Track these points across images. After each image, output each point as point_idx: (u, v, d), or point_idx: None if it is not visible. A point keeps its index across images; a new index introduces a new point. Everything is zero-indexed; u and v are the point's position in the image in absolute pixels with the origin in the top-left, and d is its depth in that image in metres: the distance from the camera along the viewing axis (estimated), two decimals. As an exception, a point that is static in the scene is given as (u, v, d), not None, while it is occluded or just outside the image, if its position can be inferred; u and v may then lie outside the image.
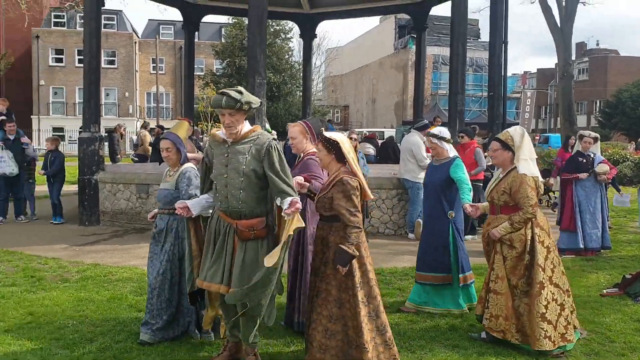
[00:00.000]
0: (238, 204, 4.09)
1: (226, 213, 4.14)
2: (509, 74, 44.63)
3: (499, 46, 12.08)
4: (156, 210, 4.92)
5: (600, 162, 8.73)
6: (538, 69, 61.42)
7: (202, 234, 4.44)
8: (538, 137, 38.72)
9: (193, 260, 4.39)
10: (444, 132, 5.96)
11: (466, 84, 34.47)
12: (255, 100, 4.10)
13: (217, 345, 4.72)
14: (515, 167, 4.85)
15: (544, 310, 4.63)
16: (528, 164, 4.83)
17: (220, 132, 4.29)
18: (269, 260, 3.81)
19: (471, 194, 5.68)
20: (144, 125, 17.67)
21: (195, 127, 24.13)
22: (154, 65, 45.90)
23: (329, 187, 4.19)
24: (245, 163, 4.08)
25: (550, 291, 4.69)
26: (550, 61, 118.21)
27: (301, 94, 24.70)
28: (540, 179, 4.91)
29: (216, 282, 4.09)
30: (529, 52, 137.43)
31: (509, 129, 5.02)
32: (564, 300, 4.77)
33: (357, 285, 4.08)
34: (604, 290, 6.62)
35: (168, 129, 11.14)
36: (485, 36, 44.72)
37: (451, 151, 5.90)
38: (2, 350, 4.48)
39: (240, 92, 4.05)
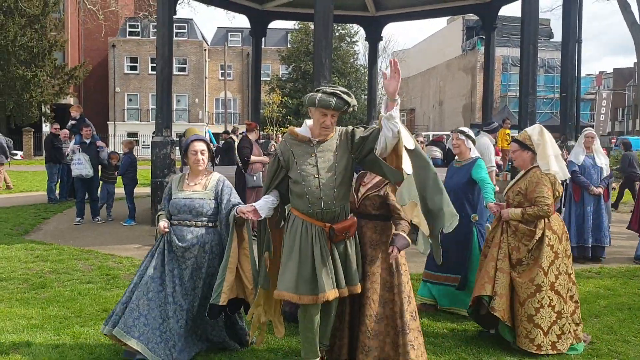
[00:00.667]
0: (332, 204, 3.95)
1: (317, 216, 3.95)
2: (583, 74, 42.92)
3: (572, 45, 11.65)
4: (165, 222, 4.36)
5: (683, 165, 8.27)
6: (615, 69, 58.82)
7: (246, 246, 4.31)
8: (614, 140, 37.07)
9: (227, 274, 4.15)
10: (471, 132, 5.83)
11: (537, 85, 33.47)
12: (356, 103, 4.06)
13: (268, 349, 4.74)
14: (535, 167, 4.78)
15: (533, 313, 4.60)
16: (553, 160, 4.73)
17: (301, 129, 4.10)
18: (407, 169, 3.73)
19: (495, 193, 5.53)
20: (233, 131, 18.06)
21: (262, 132, 24.53)
22: (223, 71, 46.96)
23: (381, 185, 4.26)
24: (337, 159, 3.97)
25: (548, 296, 4.62)
26: (628, 60, 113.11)
27: (366, 97, 24.65)
28: (561, 178, 4.79)
29: (329, 289, 3.87)
30: (605, 51, 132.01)
31: (526, 128, 4.90)
32: (562, 308, 4.67)
33: (403, 283, 4.11)
34: (688, 301, 6.26)
35: (242, 134, 11.35)
36: (557, 36, 43.30)
37: (473, 152, 5.76)
38: (78, 344, 4.67)
39: (349, 94, 3.98)
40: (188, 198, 4.31)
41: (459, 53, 45.87)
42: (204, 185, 4.39)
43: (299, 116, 29.84)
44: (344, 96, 3.90)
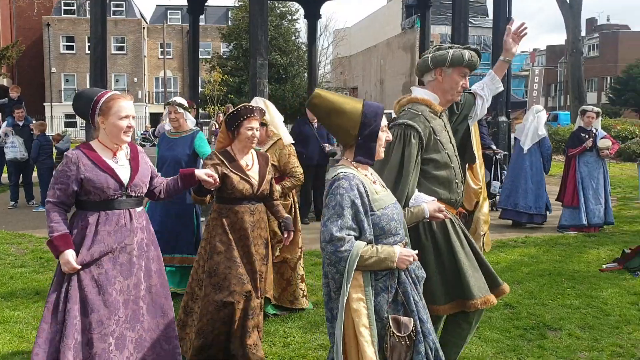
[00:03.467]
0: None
1: (457, 204, 3.31)
2: (518, 52, 44.00)
3: (503, 23, 12.00)
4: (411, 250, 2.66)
5: (602, 137, 8.73)
6: (547, 46, 60.69)
7: None
8: (547, 115, 38.35)
9: None
10: (185, 102, 5.58)
11: (474, 62, 34.14)
12: None
13: None
14: (279, 139, 4.91)
15: (302, 272, 5.06)
16: (286, 131, 4.99)
17: (428, 97, 3.30)
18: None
19: None
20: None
21: (203, 112, 24.22)
22: (162, 50, 45.99)
23: (268, 167, 4.13)
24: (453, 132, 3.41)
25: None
26: (560, 38, 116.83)
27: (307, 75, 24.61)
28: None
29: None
30: (541, 29, 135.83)
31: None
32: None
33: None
34: (604, 265, 6.70)
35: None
36: (494, 14, 44.17)
37: (191, 123, 5.56)
38: (8, 328, 4.63)
39: None
40: (393, 204, 2.74)
41: (398, 31, 46.27)
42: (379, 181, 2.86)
43: (241, 95, 29.52)
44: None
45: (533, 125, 8.98)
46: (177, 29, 49.01)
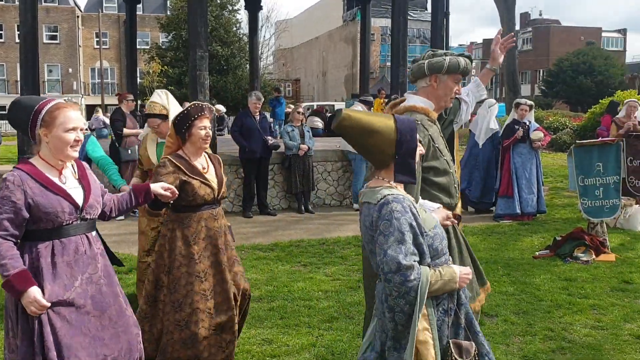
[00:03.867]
0: None
1: (454, 208, 3.34)
2: (455, 45, 45.01)
3: (441, 17, 12.23)
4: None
5: (535, 130, 9.06)
6: (484, 40, 62.26)
7: None
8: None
9: None
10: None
11: (413, 55, 34.90)
12: None
13: None
14: None
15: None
16: None
17: (426, 105, 3.31)
18: None
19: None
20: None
21: (142, 104, 23.65)
22: (98, 39, 44.68)
23: (222, 168, 3.96)
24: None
25: None
26: (496, 32, 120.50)
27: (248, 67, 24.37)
28: None
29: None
30: (477, 23, 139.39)
31: (154, 99, 4.59)
32: None
33: None
34: (537, 253, 6.97)
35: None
36: (432, 7, 44.96)
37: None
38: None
39: None
40: (438, 222, 2.68)
41: (340, 24, 46.52)
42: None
43: (181, 86, 29.00)
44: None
45: (486, 120, 9.38)
46: (114, 18, 47.65)
